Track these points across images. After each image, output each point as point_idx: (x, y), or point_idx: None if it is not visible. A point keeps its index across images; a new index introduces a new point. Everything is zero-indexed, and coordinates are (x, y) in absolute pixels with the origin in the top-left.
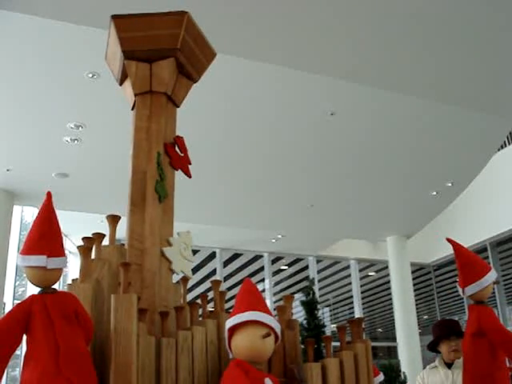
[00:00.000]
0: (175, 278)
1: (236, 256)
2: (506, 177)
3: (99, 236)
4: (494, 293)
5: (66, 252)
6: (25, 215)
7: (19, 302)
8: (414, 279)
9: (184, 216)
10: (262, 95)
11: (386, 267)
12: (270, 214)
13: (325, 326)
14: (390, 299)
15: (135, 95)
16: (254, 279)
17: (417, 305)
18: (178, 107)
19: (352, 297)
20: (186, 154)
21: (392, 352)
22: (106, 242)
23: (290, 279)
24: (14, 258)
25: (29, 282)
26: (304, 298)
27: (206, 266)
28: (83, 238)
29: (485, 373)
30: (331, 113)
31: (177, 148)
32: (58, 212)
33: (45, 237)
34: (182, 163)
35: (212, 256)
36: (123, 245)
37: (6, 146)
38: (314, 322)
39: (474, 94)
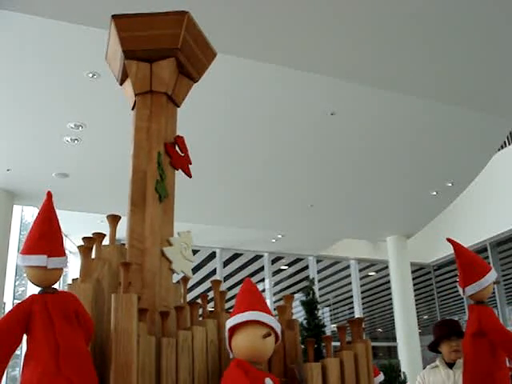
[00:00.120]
0: (175, 277)
1: (236, 256)
2: (506, 177)
3: (99, 236)
4: (494, 293)
5: (66, 252)
6: (25, 215)
7: (19, 301)
8: (414, 279)
9: (184, 216)
10: (262, 95)
11: (386, 267)
12: (270, 214)
13: (325, 326)
14: (390, 299)
15: (135, 95)
16: (254, 279)
17: (417, 305)
18: (179, 107)
19: (352, 297)
20: (186, 153)
21: (392, 352)
22: (106, 241)
23: (289, 279)
24: (14, 257)
25: (29, 281)
26: (304, 298)
27: (206, 266)
28: (83, 238)
29: (485, 373)
30: (331, 113)
31: (177, 148)
32: (58, 212)
33: (45, 237)
34: (182, 163)
35: (212, 256)
36: (123, 245)
37: (6, 145)
38: (314, 321)
39: (473, 94)
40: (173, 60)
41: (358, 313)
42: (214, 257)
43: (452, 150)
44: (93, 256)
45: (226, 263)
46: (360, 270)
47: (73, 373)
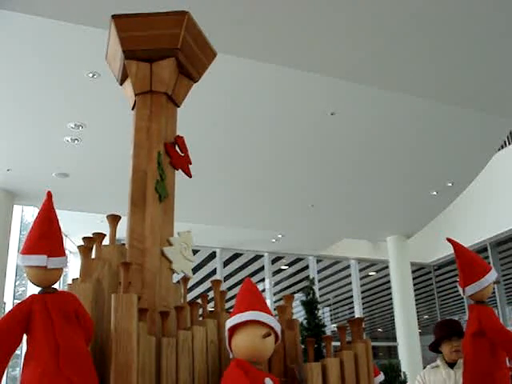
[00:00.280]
0: (175, 277)
1: (236, 256)
2: (506, 177)
3: (99, 236)
4: (494, 293)
5: (67, 252)
6: (25, 215)
7: (19, 301)
8: (414, 279)
9: (184, 216)
10: (262, 95)
11: (387, 267)
12: (270, 214)
13: (325, 326)
14: (391, 299)
15: (135, 95)
16: (254, 279)
17: (417, 305)
18: (179, 107)
19: (352, 297)
20: (186, 153)
21: (392, 352)
22: (106, 241)
23: (290, 279)
24: (14, 257)
25: (29, 281)
26: (304, 298)
27: (206, 266)
28: (83, 238)
29: (485, 372)
30: (331, 113)
31: (177, 148)
32: (58, 212)
33: (45, 237)
34: (182, 163)
35: (212, 256)
36: (123, 245)
37: (6, 145)
38: (314, 321)
39: (474, 94)
40: (173, 60)
41: (358, 313)
42: (214, 257)
43: (452, 150)
44: (93, 256)
45: (226, 263)
46: (360, 270)
47: (73, 373)
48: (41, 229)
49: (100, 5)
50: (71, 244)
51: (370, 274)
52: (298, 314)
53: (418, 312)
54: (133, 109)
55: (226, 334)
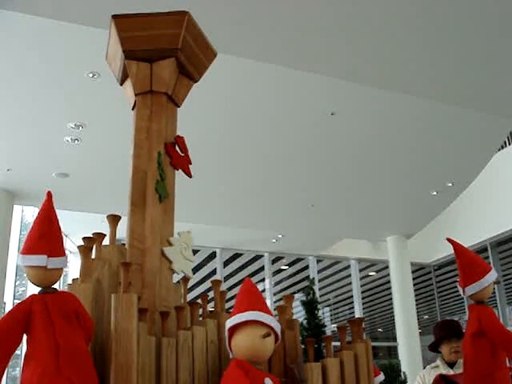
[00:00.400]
0: (176, 277)
1: (236, 256)
2: (506, 177)
3: (99, 236)
4: (494, 293)
5: (67, 252)
6: (25, 215)
7: (19, 301)
8: (414, 279)
9: (184, 216)
10: (262, 95)
11: (387, 267)
12: (270, 214)
13: (325, 326)
14: (391, 299)
15: (136, 95)
16: (254, 279)
17: (417, 305)
18: (179, 107)
19: (352, 297)
20: (186, 153)
21: (392, 352)
22: (106, 241)
23: (290, 279)
24: (14, 257)
25: (29, 281)
26: (304, 298)
27: (207, 266)
28: (83, 238)
29: (485, 373)
30: (331, 113)
31: (177, 148)
32: (58, 212)
33: (45, 237)
34: (182, 163)
35: (212, 256)
36: (124, 245)
37: (6, 145)
38: (314, 321)
39: (474, 94)
40: (173, 60)
41: (358, 313)
42: (215, 257)
43: (452, 150)
44: (93, 256)
45: (226, 263)
46: (360, 270)
47: (73, 373)
48: (41, 229)
49: (100, 5)
50: (71, 244)
51: (370, 274)
52: (298, 314)
53: (418, 312)
54: (133, 109)
55: (226, 334)
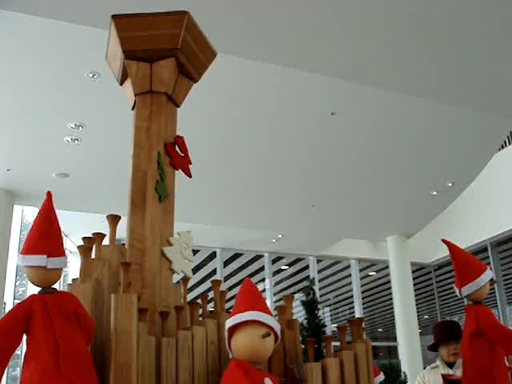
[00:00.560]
0: (175, 277)
1: (236, 256)
2: (506, 177)
3: (99, 236)
4: (494, 293)
5: (67, 252)
6: (25, 215)
7: (19, 301)
8: (414, 279)
9: (184, 216)
10: (262, 95)
11: (387, 267)
12: (270, 214)
13: (325, 326)
14: (391, 299)
15: (135, 95)
16: (254, 279)
17: (417, 305)
18: (179, 107)
19: (352, 296)
20: (186, 153)
21: (392, 352)
22: (106, 241)
23: (290, 279)
24: (14, 257)
25: (29, 281)
26: (304, 298)
27: (207, 266)
28: (83, 238)
29: (484, 372)
30: (331, 113)
31: (177, 148)
32: (58, 212)
33: (45, 237)
34: (182, 163)
35: (212, 256)
36: (123, 245)
37: (6, 145)
38: (314, 321)
39: (474, 93)
40: (173, 60)
41: (358, 313)
42: (215, 257)
43: (452, 150)
44: (93, 256)
45: (226, 263)
46: (360, 270)
47: (73, 373)
48: (41, 229)
49: (100, 5)
50: (71, 244)
51: (370, 273)
52: (299, 313)
53: (418, 312)
54: (133, 109)
55: (226, 333)
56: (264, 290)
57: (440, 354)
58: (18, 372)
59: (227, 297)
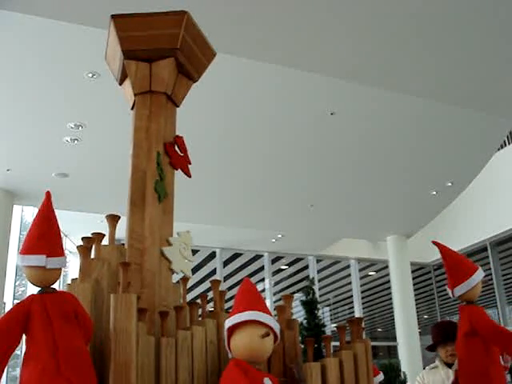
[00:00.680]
0: (175, 277)
1: (236, 256)
2: (505, 177)
3: (99, 236)
4: (493, 293)
5: (66, 252)
6: (25, 215)
7: (19, 301)
8: (414, 279)
9: (184, 216)
10: (262, 95)
11: (386, 267)
12: (270, 214)
13: (325, 326)
14: (390, 299)
15: (135, 95)
16: (254, 279)
17: (417, 304)
18: (178, 107)
19: (352, 296)
20: (185, 153)
21: (392, 352)
22: (105, 241)
23: (290, 279)
24: (14, 257)
25: (28, 281)
26: (304, 298)
27: (206, 266)
28: (83, 238)
29: (480, 371)
30: (331, 113)
31: (176, 148)
32: (57, 212)
33: (44, 237)
34: (181, 163)
35: (212, 256)
36: (123, 244)
37: (6, 145)
38: (314, 321)
39: (474, 94)
40: (172, 60)
41: (358, 312)
42: (214, 257)
43: (452, 150)
44: (92, 256)
45: (226, 263)
46: (360, 270)
47: (72, 373)
48: (40, 229)
49: (100, 5)
50: (71, 244)
51: (370, 273)
52: (298, 313)
53: (417, 312)
54: (132, 109)
55: (225, 333)
56: (264, 290)
57: (438, 355)
58: (17, 372)
59: (227, 297)
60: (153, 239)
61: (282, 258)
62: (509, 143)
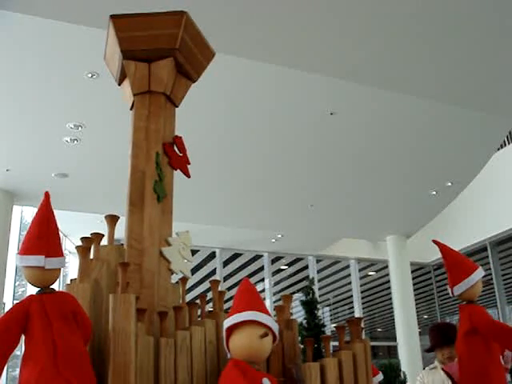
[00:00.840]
0: (174, 278)
1: (236, 256)
2: (505, 176)
3: (98, 236)
4: (493, 293)
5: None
6: (25, 215)
7: (18, 301)
8: (413, 279)
9: (184, 216)
10: (261, 95)
11: (386, 267)
12: (270, 214)
13: (325, 326)
14: (390, 299)
15: (134, 95)
16: (253, 279)
17: (417, 304)
18: (177, 107)
19: (352, 296)
20: (184, 153)
21: (392, 352)
22: (105, 242)
23: (289, 279)
24: (13, 258)
25: (27, 281)
26: (304, 298)
27: (206, 266)
28: (82, 238)
29: (480, 370)
30: (331, 113)
31: (176, 148)
32: (57, 212)
33: (43, 237)
34: (180, 163)
35: (212, 256)
36: (122, 245)
37: (6, 145)
38: (313, 321)
39: (474, 94)
40: (171, 60)
41: (357, 312)
42: (214, 257)
43: (452, 150)
44: (91, 256)
45: (225, 263)
46: (360, 270)
47: (71, 373)
48: (39, 229)
49: (100, 5)
50: (70, 244)
51: (370, 273)
52: (298, 313)
53: (417, 312)
54: (131, 109)
55: (224, 334)
56: (263, 290)
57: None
58: (17, 372)
59: (227, 297)
60: (152, 239)
61: (281, 258)
62: (508, 143)
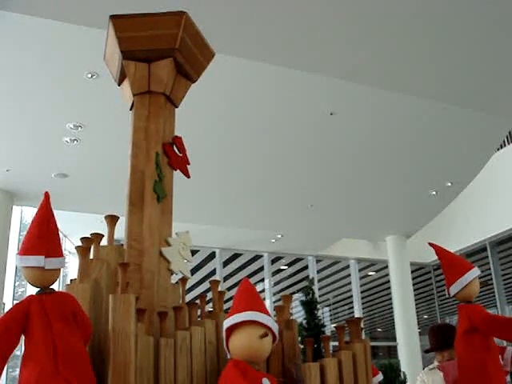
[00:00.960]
0: (174, 278)
1: (236, 256)
2: (505, 176)
3: (98, 236)
4: (493, 293)
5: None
6: (24, 215)
7: (17, 301)
8: (413, 279)
9: (184, 216)
10: (261, 95)
11: (386, 267)
12: (270, 214)
13: (325, 326)
14: (390, 299)
15: (134, 95)
16: (253, 279)
17: (417, 304)
18: (177, 107)
19: (352, 296)
20: (184, 154)
21: (392, 352)
22: (104, 242)
23: (289, 279)
24: (13, 258)
25: (27, 282)
26: (304, 298)
27: (206, 266)
28: (81, 239)
29: (479, 368)
30: (331, 113)
31: (175, 148)
32: (57, 212)
33: (43, 237)
34: (180, 163)
35: (212, 256)
36: (122, 245)
37: (6, 146)
38: (313, 321)
39: (474, 94)
40: (171, 60)
41: (357, 313)
42: (214, 257)
43: (452, 150)
44: (91, 256)
45: (225, 263)
46: (360, 270)
47: (71, 373)
48: (38, 229)
49: (99, 5)
50: (70, 244)
51: (370, 273)
52: (298, 314)
53: (417, 312)
54: (131, 109)
55: (224, 334)
56: (263, 290)
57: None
58: (17, 372)
59: (226, 297)
60: (152, 240)
61: (281, 258)
62: (508, 143)
